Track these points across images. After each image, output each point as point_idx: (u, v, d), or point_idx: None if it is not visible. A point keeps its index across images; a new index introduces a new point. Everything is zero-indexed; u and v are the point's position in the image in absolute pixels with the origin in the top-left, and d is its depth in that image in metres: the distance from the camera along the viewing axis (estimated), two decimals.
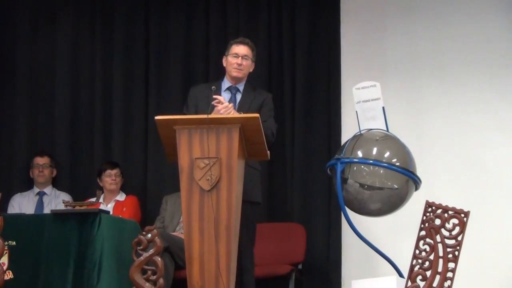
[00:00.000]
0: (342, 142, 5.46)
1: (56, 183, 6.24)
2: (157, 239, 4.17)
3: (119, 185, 5.98)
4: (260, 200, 4.74)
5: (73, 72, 6.39)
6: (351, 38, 6.02)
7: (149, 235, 4.16)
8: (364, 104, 4.78)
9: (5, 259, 4.42)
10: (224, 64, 4.76)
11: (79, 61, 6.41)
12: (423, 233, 4.47)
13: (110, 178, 5.94)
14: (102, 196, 5.90)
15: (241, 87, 4.73)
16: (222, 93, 4.67)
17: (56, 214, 4.54)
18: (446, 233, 4.43)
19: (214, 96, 4.43)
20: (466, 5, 5.87)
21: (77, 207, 4.62)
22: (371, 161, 4.61)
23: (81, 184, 6.28)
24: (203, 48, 6.24)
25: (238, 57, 4.66)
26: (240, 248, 4.31)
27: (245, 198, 4.32)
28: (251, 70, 4.77)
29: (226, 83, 4.73)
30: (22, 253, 4.47)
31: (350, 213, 4.73)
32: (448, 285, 4.32)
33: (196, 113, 4.52)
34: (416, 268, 4.42)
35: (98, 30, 6.40)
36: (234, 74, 4.68)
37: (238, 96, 4.70)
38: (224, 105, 4.40)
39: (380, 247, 4.76)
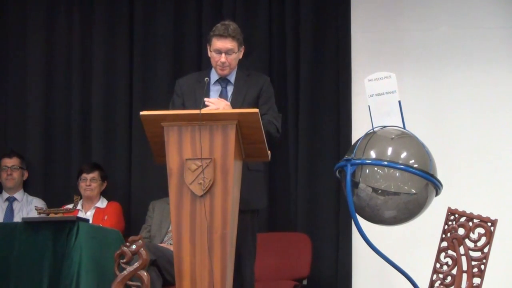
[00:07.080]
0: (353, 141, 5.47)
1: (28, 188, 6.24)
2: (143, 251, 4.17)
3: (96, 191, 5.96)
4: (265, 205, 4.73)
5: (47, 58, 6.39)
6: (362, 23, 6.02)
7: (134, 247, 4.17)
8: (378, 98, 4.78)
9: None
10: (209, 55, 4.69)
11: (53, 45, 6.40)
12: (444, 244, 4.48)
13: (85, 183, 5.94)
14: (80, 203, 5.90)
15: (232, 77, 4.66)
16: (211, 86, 4.64)
17: (28, 223, 4.53)
18: (470, 244, 4.43)
19: (204, 104, 4.36)
20: None
21: (52, 215, 4.61)
22: (385, 163, 4.60)
23: (56, 188, 6.28)
24: (195, 33, 6.23)
25: (221, 54, 4.58)
26: (239, 262, 4.29)
27: (244, 207, 4.31)
28: (241, 56, 4.70)
29: (214, 75, 4.67)
30: None
31: (362, 221, 4.73)
32: None
33: None
34: (437, 284, 4.43)
35: (76, 10, 6.38)
36: (220, 72, 4.63)
37: (230, 89, 4.66)
38: (216, 108, 4.31)
39: (395, 260, 4.75)
